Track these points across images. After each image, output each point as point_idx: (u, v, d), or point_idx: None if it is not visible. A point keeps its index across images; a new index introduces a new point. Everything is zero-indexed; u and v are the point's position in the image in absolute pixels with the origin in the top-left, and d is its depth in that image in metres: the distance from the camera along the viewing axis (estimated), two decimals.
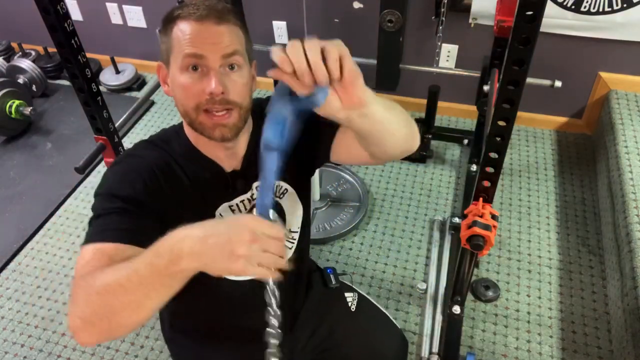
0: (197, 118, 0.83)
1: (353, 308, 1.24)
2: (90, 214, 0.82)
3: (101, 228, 0.78)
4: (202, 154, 0.92)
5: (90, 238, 0.77)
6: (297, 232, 1.05)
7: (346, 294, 1.26)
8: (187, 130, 0.92)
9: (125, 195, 0.82)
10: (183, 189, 0.89)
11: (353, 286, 1.32)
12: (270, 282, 0.70)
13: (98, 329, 0.67)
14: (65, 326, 1.74)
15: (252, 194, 0.97)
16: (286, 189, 1.01)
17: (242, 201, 0.96)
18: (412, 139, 0.88)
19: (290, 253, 1.05)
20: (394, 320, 1.33)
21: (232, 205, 0.95)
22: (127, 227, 0.78)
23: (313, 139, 0.97)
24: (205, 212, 0.92)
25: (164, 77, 0.88)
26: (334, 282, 1.25)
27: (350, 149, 0.93)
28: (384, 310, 1.32)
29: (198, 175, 0.91)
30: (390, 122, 0.79)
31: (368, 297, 1.31)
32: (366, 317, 1.26)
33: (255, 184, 0.97)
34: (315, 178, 2.01)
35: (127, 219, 0.80)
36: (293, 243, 1.05)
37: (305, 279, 1.21)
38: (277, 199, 1.00)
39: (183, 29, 0.80)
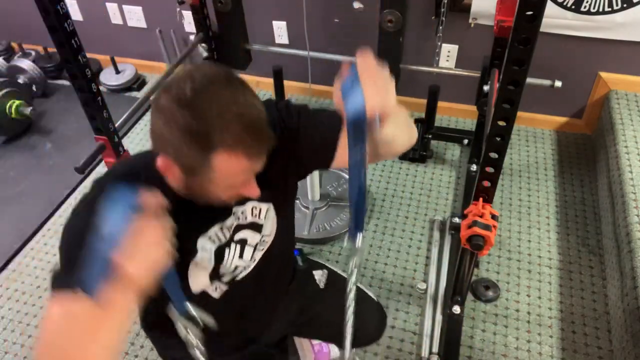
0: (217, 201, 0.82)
1: (322, 285, 1.27)
2: None
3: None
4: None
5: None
6: (268, 235, 1.03)
7: (314, 272, 1.30)
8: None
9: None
10: None
11: (324, 263, 1.35)
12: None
13: None
14: None
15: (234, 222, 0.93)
16: (268, 209, 0.99)
17: (221, 228, 0.92)
18: (411, 139, 0.94)
19: (259, 255, 1.04)
20: (368, 292, 1.36)
21: (211, 237, 0.91)
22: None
23: (307, 154, 0.97)
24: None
25: (168, 170, 0.77)
26: (300, 263, 1.30)
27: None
28: (358, 284, 1.32)
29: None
30: (402, 132, 0.87)
31: (339, 271, 1.35)
32: (336, 292, 1.25)
33: (235, 208, 0.93)
34: (315, 178, 2.01)
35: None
36: (263, 245, 1.04)
37: (288, 280, 1.24)
38: (258, 219, 0.98)
39: (231, 166, 0.72)
